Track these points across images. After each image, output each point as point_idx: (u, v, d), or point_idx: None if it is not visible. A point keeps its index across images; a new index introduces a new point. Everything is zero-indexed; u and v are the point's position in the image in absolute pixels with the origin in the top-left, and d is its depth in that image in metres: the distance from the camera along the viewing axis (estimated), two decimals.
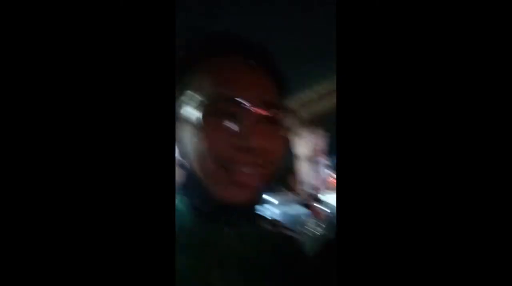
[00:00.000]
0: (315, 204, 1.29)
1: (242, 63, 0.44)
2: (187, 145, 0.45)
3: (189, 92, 0.44)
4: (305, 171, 1.39)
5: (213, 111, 0.42)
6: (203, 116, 0.42)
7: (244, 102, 0.42)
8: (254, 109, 0.42)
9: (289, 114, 0.47)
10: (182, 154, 0.46)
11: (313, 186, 1.38)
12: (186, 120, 0.44)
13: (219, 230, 0.45)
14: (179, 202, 0.47)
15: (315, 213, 1.27)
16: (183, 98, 0.44)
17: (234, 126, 0.41)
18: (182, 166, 0.46)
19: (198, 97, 0.43)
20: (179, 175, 0.47)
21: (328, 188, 1.39)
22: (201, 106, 0.42)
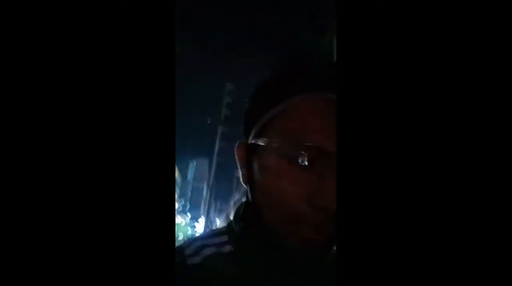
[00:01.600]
0: None
1: (321, 101, 0.40)
2: (257, 186, 0.43)
3: (264, 139, 0.42)
4: None
5: (288, 157, 0.39)
6: (277, 160, 0.40)
7: (324, 149, 0.38)
8: (329, 154, 0.37)
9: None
10: (246, 181, 0.45)
11: None
12: (260, 164, 0.42)
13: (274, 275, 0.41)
14: (232, 228, 0.46)
15: None
16: (260, 142, 0.42)
17: (312, 180, 0.38)
18: (247, 196, 0.44)
19: (274, 143, 0.40)
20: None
21: None
22: (275, 148, 0.40)
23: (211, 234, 0.47)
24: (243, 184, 0.45)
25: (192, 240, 0.46)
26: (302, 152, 0.38)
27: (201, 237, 0.48)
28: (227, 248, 0.43)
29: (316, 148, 0.38)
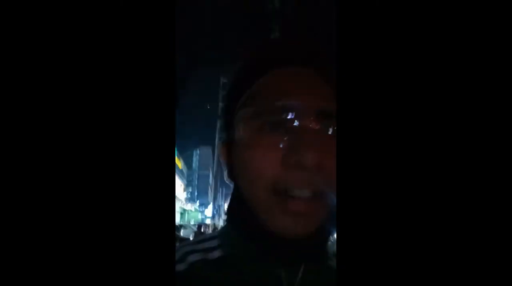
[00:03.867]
0: None
1: (297, 72, 0.40)
2: (237, 165, 0.41)
3: (242, 111, 0.41)
4: None
5: (262, 127, 0.38)
6: (252, 133, 0.39)
7: (297, 113, 0.37)
8: (308, 120, 0.37)
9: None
10: (230, 175, 0.44)
11: None
12: (238, 140, 0.40)
13: (270, 273, 0.39)
14: (224, 231, 0.45)
15: None
16: (236, 118, 0.41)
17: (285, 141, 0.37)
18: (233, 191, 0.44)
19: (249, 114, 0.39)
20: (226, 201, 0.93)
21: None
22: (250, 122, 0.39)
23: (202, 239, 0.45)
24: (228, 180, 0.44)
25: (182, 245, 0.44)
26: (274, 115, 0.37)
27: (192, 242, 0.46)
28: (215, 254, 0.41)
29: (287, 108, 0.37)
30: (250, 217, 0.39)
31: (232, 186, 0.44)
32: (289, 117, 0.37)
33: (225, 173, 0.45)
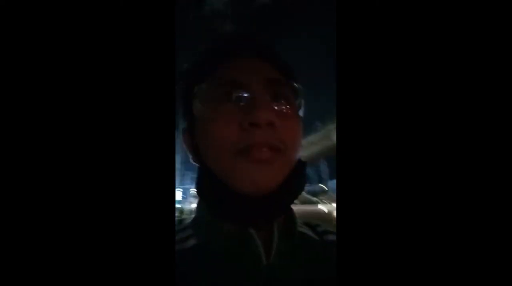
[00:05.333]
0: None
1: (246, 59, 0.44)
2: (200, 142, 0.44)
3: (198, 87, 0.43)
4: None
5: (217, 97, 0.41)
6: (209, 104, 0.41)
7: (247, 83, 0.41)
8: (258, 87, 0.40)
9: (297, 94, 0.44)
10: (195, 157, 0.46)
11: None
12: (198, 116, 0.43)
13: (245, 236, 0.40)
14: (197, 217, 0.46)
15: None
16: (194, 95, 0.44)
17: (240, 107, 0.40)
18: (199, 170, 0.45)
19: (205, 88, 0.42)
20: (194, 180, 0.45)
21: None
22: (207, 96, 0.42)
23: (177, 230, 0.46)
24: (194, 163, 0.47)
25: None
26: (227, 86, 0.41)
27: None
28: (190, 243, 0.43)
29: (238, 79, 0.41)
30: (218, 186, 0.41)
31: (198, 166, 0.46)
32: (242, 88, 0.40)
33: (190, 157, 0.47)
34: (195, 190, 0.46)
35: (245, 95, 0.41)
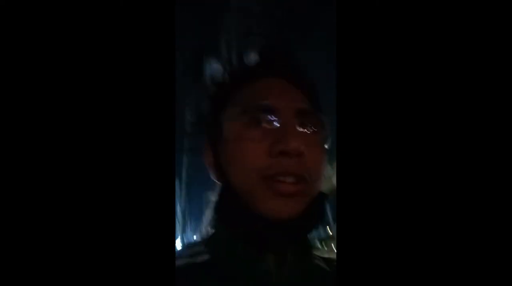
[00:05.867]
0: None
1: (273, 81, 0.45)
2: (225, 162, 0.44)
3: (230, 110, 0.44)
4: None
5: (249, 123, 0.41)
6: (239, 129, 0.42)
7: (279, 111, 0.41)
8: (289, 117, 0.41)
9: (323, 125, 0.44)
10: (217, 175, 0.46)
11: None
12: (227, 137, 0.43)
13: (258, 258, 0.40)
14: (213, 236, 0.46)
15: None
16: (225, 117, 0.44)
17: (271, 134, 0.40)
18: (221, 188, 0.45)
19: (236, 112, 0.42)
20: (214, 197, 0.45)
21: None
22: (237, 119, 0.42)
23: (186, 246, 0.49)
24: (217, 181, 0.47)
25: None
26: (260, 112, 0.41)
27: (180, 249, 0.48)
28: (202, 258, 0.43)
29: (270, 107, 0.41)
30: (239, 205, 0.41)
31: (219, 185, 0.46)
32: (273, 114, 0.41)
33: (212, 175, 0.47)
34: (213, 207, 0.46)
35: (276, 121, 0.41)
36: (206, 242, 0.46)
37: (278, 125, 0.41)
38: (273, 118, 0.41)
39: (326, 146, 0.45)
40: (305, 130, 0.42)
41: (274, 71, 0.46)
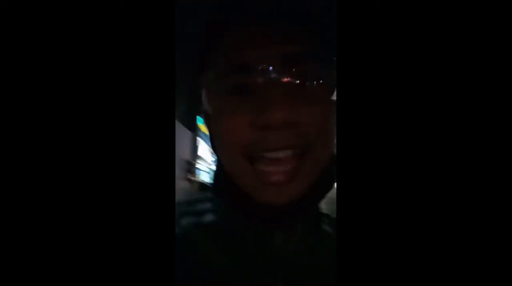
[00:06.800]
0: None
1: (256, 26, 0.34)
2: (214, 139, 0.39)
3: (203, 76, 0.35)
4: None
5: (226, 91, 0.34)
6: (217, 96, 0.35)
7: (259, 67, 0.32)
8: (274, 72, 0.32)
9: (326, 73, 0.34)
10: (213, 146, 0.41)
11: None
12: (206, 108, 0.36)
13: (265, 234, 0.38)
14: (212, 206, 0.43)
15: None
16: (200, 84, 0.36)
17: (251, 102, 0.32)
18: (216, 165, 0.42)
19: (210, 78, 0.35)
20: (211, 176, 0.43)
21: None
22: (213, 87, 0.35)
23: (195, 200, 0.44)
24: (211, 152, 0.45)
25: (175, 204, 0.37)
26: (236, 74, 0.33)
27: (185, 201, 0.44)
28: (208, 218, 0.41)
29: (248, 64, 0.32)
30: (234, 190, 0.37)
31: (215, 157, 0.41)
32: (253, 74, 0.32)
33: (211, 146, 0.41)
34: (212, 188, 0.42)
35: (255, 83, 0.33)
36: (211, 198, 0.44)
37: (261, 86, 0.32)
38: (254, 80, 0.33)
39: (333, 97, 0.35)
40: (301, 84, 0.33)
41: (247, 14, 0.35)
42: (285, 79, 0.32)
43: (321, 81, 0.34)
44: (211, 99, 0.35)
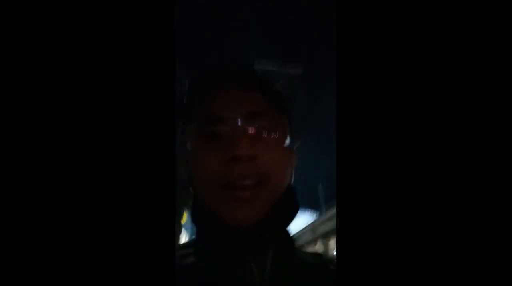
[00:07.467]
0: None
1: (231, 88, 0.45)
2: (192, 176, 0.46)
3: (188, 127, 0.45)
4: None
5: (204, 137, 0.43)
6: (196, 141, 0.44)
7: (229, 119, 0.42)
8: (241, 122, 0.42)
9: (282, 125, 0.45)
10: (189, 180, 0.48)
11: None
12: (188, 152, 0.45)
13: (238, 262, 0.42)
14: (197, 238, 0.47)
15: None
16: (186, 133, 0.46)
17: (222, 144, 0.42)
18: (193, 200, 0.47)
19: (192, 128, 0.44)
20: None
21: None
22: (194, 134, 0.44)
23: (177, 247, 0.47)
24: (190, 190, 0.48)
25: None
26: (211, 124, 0.43)
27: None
28: (189, 260, 0.44)
29: (220, 116, 0.43)
30: (208, 216, 0.44)
31: (192, 193, 0.47)
32: (222, 124, 0.42)
33: (190, 188, 0.48)
34: (191, 219, 0.48)
35: (227, 131, 0.42)
36: (193, 243, 0.48)
37: (229, 133, 0.42)
38: (225, 127, 0.42)
39: (286, 144, 0.46)
40: (260, 133, 0.43)
41: (225, 83, 0.46)
42: (249, 128, 0.42)
43: (277, 132, 0.45)
44: (191, 144, 0.45)
